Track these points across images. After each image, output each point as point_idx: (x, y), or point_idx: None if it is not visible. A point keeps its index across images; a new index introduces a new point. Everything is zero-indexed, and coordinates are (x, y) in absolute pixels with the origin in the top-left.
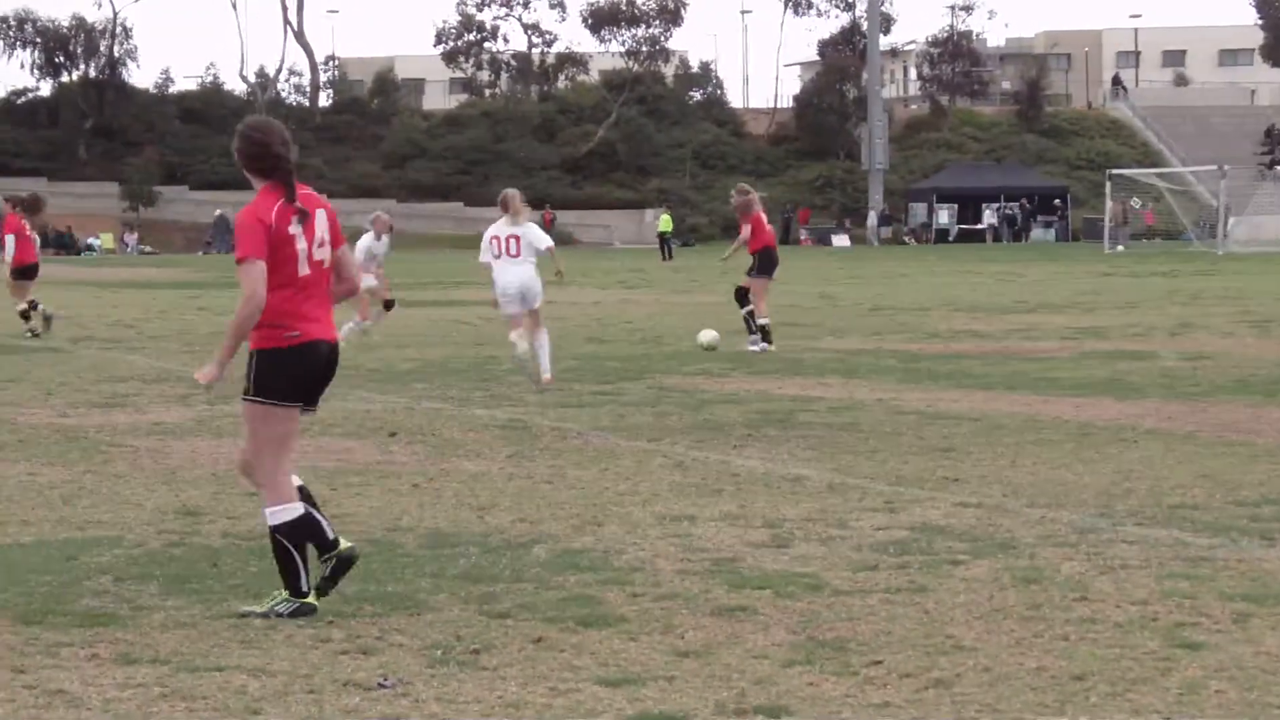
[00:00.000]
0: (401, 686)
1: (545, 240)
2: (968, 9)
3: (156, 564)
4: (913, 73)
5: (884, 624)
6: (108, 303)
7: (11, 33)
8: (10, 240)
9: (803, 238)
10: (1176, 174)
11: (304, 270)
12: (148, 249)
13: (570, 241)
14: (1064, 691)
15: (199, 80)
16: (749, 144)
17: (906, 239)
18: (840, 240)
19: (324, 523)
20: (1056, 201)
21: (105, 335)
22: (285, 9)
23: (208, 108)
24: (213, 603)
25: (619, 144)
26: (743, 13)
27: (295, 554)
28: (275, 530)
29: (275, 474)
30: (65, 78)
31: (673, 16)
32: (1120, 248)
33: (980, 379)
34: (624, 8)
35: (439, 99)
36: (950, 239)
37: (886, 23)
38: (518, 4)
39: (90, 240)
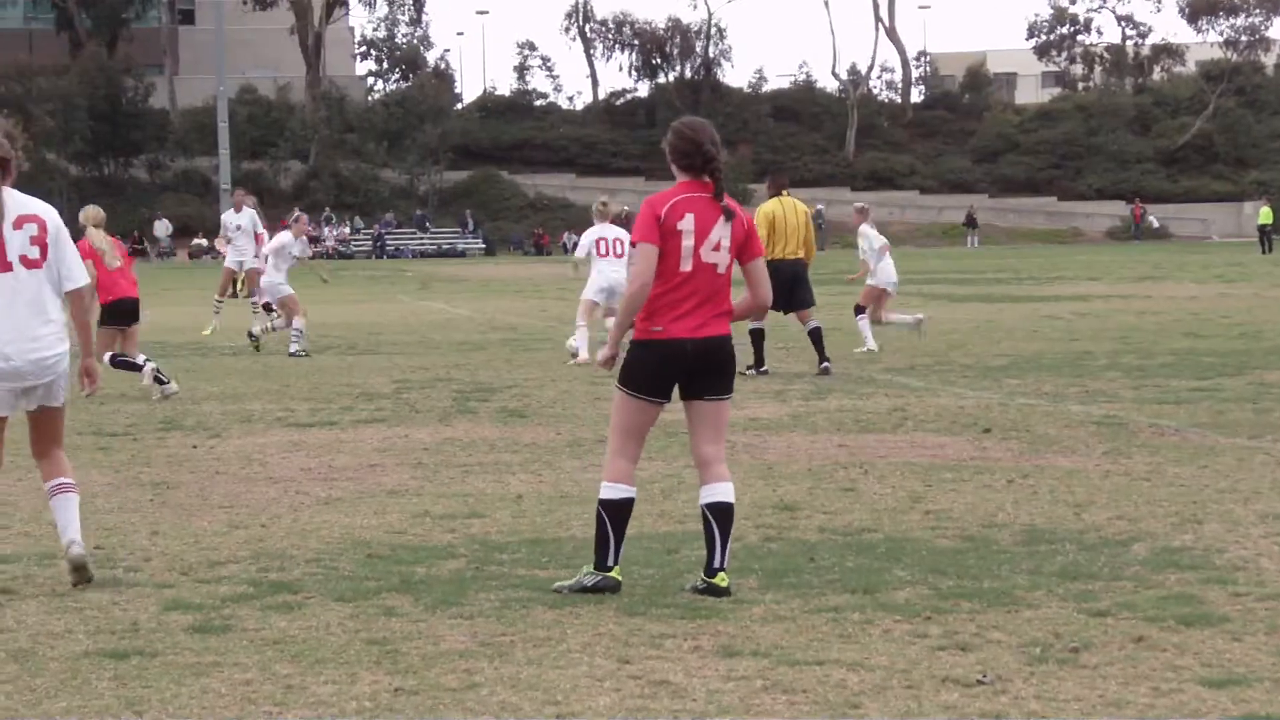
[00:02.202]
0: (1000, 683)
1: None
2: None
3: (755, 558)
4: None
5: None
6: None
7: (611, 36)
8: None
9: None
10: None
11: (685, 267)
12: None
13: (1164, 235)
14: None
15: (791, 79)
16: None
17: None
18: None
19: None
20: None
21: None
22: (877, 6)
23: (800, 105)
24: (810, 597)
25: (1216, 135)
26: None
27: (609, 529)
28: (599, 503)
29: (613, 455)
30: (661, 79)
31: (1274, 5)
32: None
33: None
34: None
35: (1031, 93)
36: None
37: None
38: None
39: None
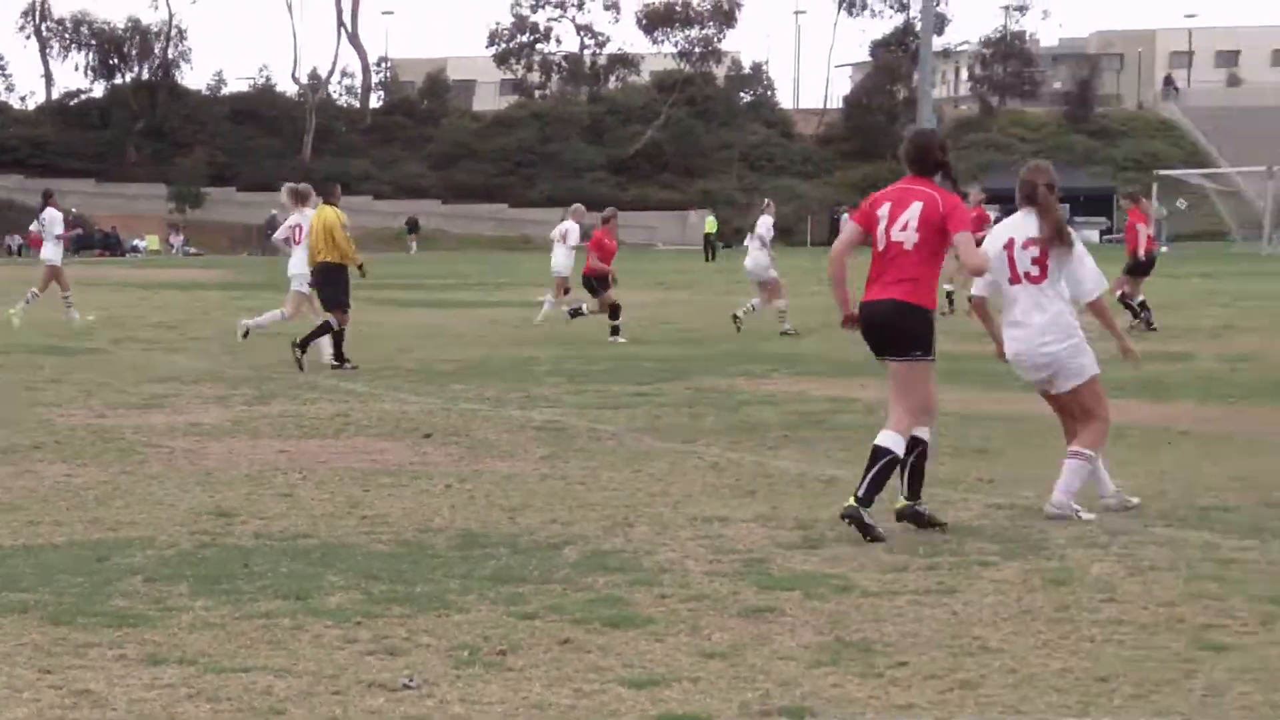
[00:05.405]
0: (426, 687)
1: None
2: (1022, 9)
3: (188, 565)
4: (964, 73)
5: (911, 625)
6: (151, 304)
7: (68, 35)
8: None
9: None
10: (1224, 175)
11: (879, 246)
12: (194, 250)
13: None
14: (1088, 693)
15: (251, 82)
16: (797, 145)
17: None
18: None
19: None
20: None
21: (147, 336)
22: (340, 11)
23: (258, 108)
24: (242, 603)
25: (666, 145)
26: (796, 13)
27: (867, 469)
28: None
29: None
30: (119, 79)
31: (726, 18)
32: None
33: (1019, 380)
34: (679, 9)
35: (491, 100)
36: None
37: (940, 23)
38: (571, 5)
39: (136, 242)
